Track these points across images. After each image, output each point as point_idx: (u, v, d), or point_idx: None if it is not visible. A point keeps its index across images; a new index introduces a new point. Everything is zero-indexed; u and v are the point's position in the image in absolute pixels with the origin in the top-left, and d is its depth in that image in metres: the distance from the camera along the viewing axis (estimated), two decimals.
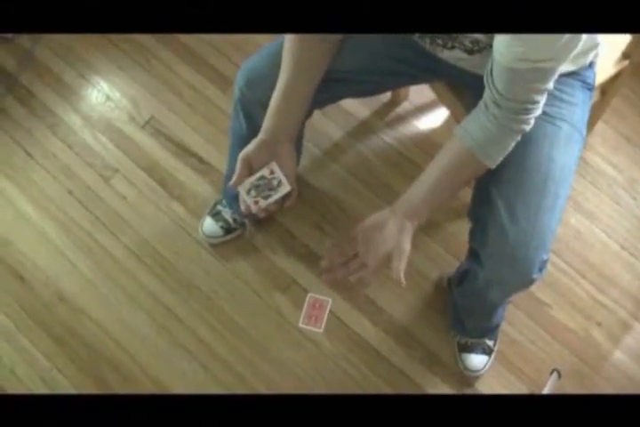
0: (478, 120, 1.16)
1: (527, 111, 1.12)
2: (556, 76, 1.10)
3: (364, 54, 1.39)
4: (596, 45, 1.33)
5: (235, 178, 1.26)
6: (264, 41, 1.39)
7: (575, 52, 1.04)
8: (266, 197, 1.26)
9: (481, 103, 1.16)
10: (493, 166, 1.20)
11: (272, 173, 1.26)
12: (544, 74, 1.07)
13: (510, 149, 1.20)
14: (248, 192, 1.26)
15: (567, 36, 0.99)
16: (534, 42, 1.00)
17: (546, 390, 1.68)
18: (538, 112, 1.15)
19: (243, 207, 1.29)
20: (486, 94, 1.13)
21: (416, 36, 1.28)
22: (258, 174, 1.26)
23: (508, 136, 1.17)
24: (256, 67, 1.42)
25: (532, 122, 1.16)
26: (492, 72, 1.10)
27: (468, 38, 1.18)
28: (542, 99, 1.13)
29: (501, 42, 1.04)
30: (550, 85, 1.11)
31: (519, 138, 1.18)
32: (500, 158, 1.20)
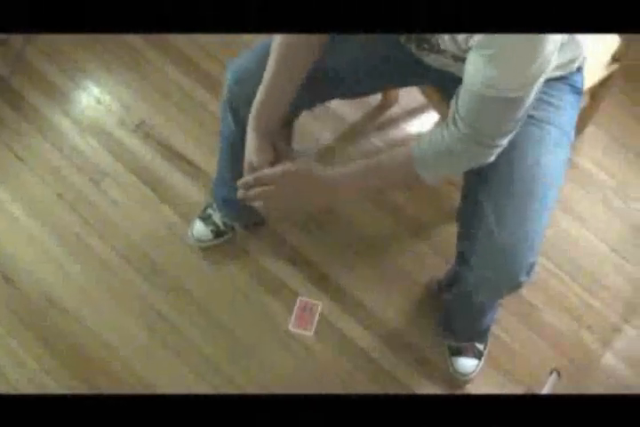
0: (435, 133, 1.16)
1: (482, 144, 1.12)
2: (520, 121, 1.10)
3: (353, 54, 1.39)
4: (580, 54, 1.33)
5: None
6: (255, 43, 1.38)
7: (551, 67, 1.03)
8: None
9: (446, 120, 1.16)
10: (428, 181, 1.19)
11: None
12: (510, 107, 1.06)
13: (453, 172, 1.21)
14: None
15: (539, 61, 0.99)
16: (507, 66, 1.00)
17: (545, 391, 1.67)
18: (494, 150, 1.14)
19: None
20: (449, 115, 1.13)
21: (403, 40, 1.28)
22: None
23: (454, 159, 1.17)
24: (245, 64, 1.41)
25: (485, 158, 1.16)
26: (459, 95, 1.11)
27: (449, 53, 1.18)
28: (502, 140, 1.13)
29: (474, 65, 1.04)
30: (514, 126, 1.11)
31: (465, 168, 1.19)
32: (437, 176, 1.19)
